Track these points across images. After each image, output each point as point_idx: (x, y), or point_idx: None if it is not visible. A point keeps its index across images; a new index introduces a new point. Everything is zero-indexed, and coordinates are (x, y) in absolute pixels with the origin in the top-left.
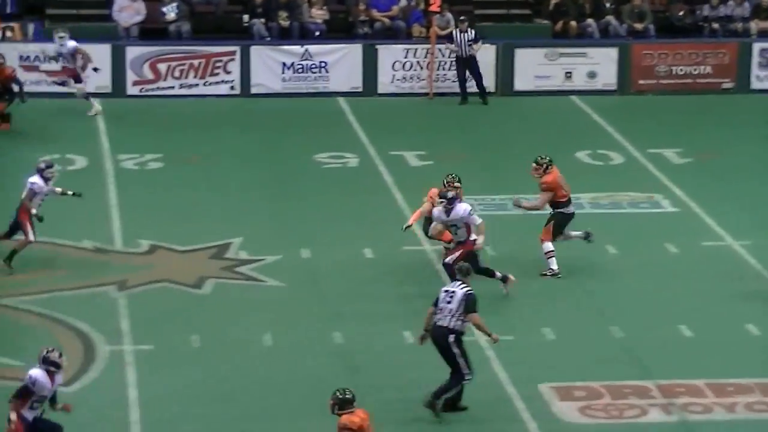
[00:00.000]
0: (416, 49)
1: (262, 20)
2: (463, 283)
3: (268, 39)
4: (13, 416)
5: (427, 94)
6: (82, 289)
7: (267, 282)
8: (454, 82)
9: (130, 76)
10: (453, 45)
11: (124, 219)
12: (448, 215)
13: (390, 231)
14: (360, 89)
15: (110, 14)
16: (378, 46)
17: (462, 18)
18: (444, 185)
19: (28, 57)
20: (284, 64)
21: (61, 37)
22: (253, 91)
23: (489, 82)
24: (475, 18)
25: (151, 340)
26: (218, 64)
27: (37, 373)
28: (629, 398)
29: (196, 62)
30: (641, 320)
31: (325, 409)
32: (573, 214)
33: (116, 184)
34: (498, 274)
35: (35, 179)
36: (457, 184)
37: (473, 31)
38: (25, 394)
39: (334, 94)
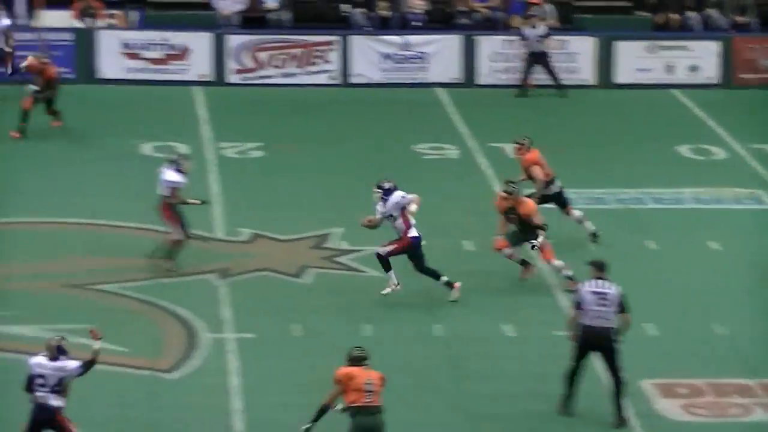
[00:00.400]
0: (515, 41)
1: (363, 10)
2: (607, 280)
3: (368, 29)
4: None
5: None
6: (184, 277)
7: (367, 272)
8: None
9: (231, 65)
10: (523, 41)
11: (226, 207)
12: (384, 206)
13: (490, 224)
14: (459, 80)
15: (211, 2)
16: (477, 37)
17: (531, 14)
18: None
19: (129, 44)
20: (384, 54)
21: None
22: (353, 80)
23: (589, 75)
24: (575, 10)
25: (253, 329)
26: (318, 54)
27: (33, 359)
28: (733, 396)
29: (296, 51)
30: (745, 317)
31: (427, 400)
32: (557, 194)
33: (218, 172)
34: (443, 278)
35: (173, 176)
36: (503, 194)
37: (544, 27)
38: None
39: (433, 84)
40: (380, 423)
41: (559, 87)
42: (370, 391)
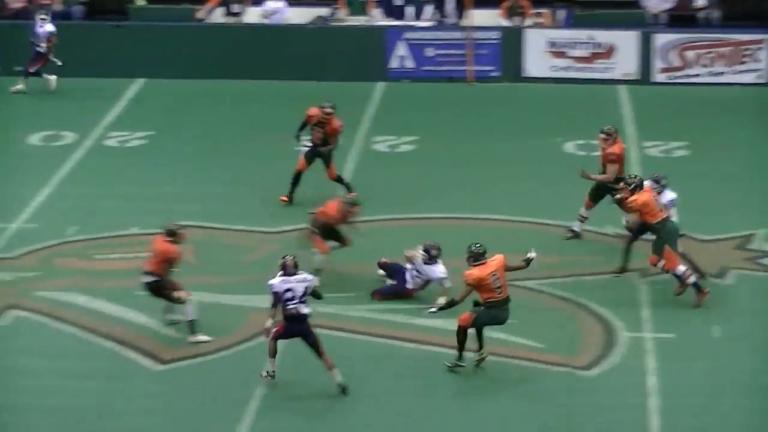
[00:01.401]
0: None
1: None
2: None
3: None
4: (269, 323)
5: None
6: (604, 275)
7: None
8: None
9: (658, 63)
10: None
11: None
12: (423, 269)
13: None
14: None
15: (640, 1)
16: None
17: None
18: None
19: (555, 43)
20: None
21: (42, 19)
22: None
23: None
24: None
25: (672, 329)
26: (747, 53)
27: (273, 281)
28: None
29: (724, 50)
30: None
31: None
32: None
33: (641, 171)
34: None
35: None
36: (624, 185)
37: None
38: (274, 301)
39: None
40: (508, 311)
41: None
42: (499, 286)
